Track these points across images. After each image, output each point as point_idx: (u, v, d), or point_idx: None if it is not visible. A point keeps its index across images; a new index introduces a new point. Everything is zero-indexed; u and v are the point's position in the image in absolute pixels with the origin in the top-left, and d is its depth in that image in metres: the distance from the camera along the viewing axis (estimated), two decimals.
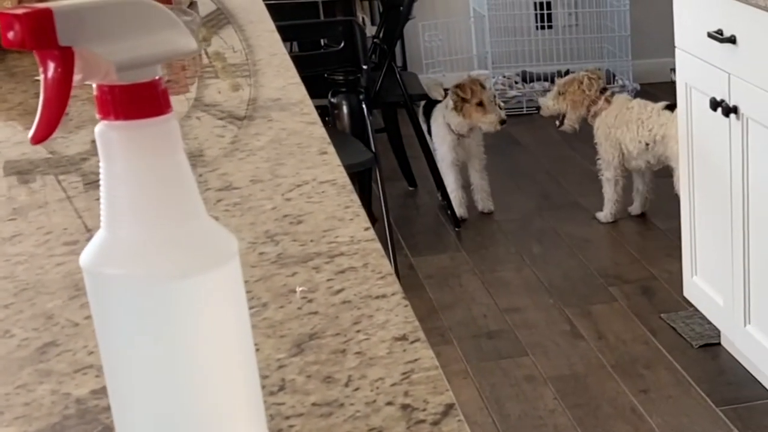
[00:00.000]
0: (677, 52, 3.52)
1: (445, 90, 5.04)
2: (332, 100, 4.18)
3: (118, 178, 0.72)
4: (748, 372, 3.49)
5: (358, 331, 1.06)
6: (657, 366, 3.63)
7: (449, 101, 4.88)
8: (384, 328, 1.06)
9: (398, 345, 1.03)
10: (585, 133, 4.98)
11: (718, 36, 3.15)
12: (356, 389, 0.95)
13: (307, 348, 1.02)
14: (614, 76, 6.61)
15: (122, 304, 0.72)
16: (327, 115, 4.32)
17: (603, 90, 4.86)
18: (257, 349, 1.02)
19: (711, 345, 3.72)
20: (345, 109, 4.16)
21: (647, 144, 4.55)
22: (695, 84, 3.40)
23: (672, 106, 4.28)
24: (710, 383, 3.49)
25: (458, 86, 4.88)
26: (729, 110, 3.14)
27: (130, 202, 0.72)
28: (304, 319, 1.08)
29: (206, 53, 2.41)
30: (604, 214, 4.83)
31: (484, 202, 5.00)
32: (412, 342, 1.04)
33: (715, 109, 3.20)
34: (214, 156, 1.58)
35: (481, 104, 4.85)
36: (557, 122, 4.97)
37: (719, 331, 3.64)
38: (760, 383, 3.41)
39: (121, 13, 0.72)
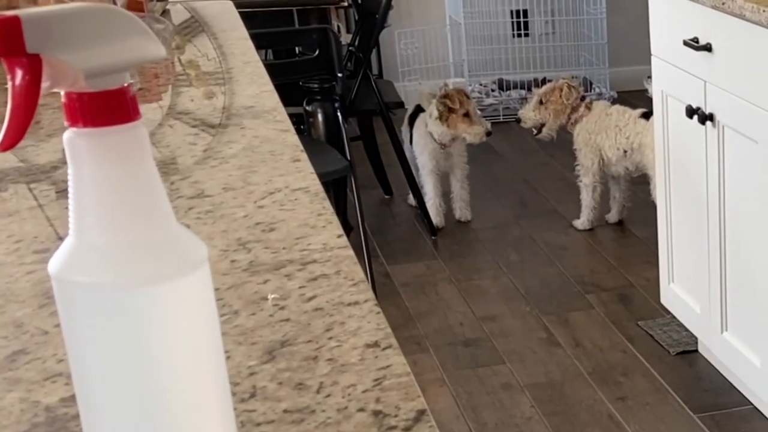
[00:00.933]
0: (653, 59, 3.53)
1: None
2: (307, 108, 4.18)
3: (86, 185, 0.72)
4: (725, 379, 3.49)
5: (330, 338, 1.06)
6: (634, 373, 3.63)
7: (433, 110, 4.86)
8: (356, 335, 1.06)
9: (370, 352, 1.03)
10: (562, 140, 5.00)
11: (694, 44, 3.16)
12: (328, 396, 0.95)
13: (279, 355, 1.02)
14: (591, 84, 6.62)
15: (90, 312, 0.72)
16: (302, 123, 4.32)
17: (582, 97, 4.85)
18: (228, 357, 1.02)
19: (688, 352, 3.72)
20: (320, 117, 4.15)
21: (625, 151, 4.55)
22: (671, 92, 3.41)
23: (648, 114, 4.29)
24: (687, 390, 3.49)
25: (446, 96, 4.85)
26: (705, 118, 3.15)
27: (98, 210, 0.72)
28: (275, 326, 1.08)
29: (180, 61, 2.41)
30: (582, 222, 4.83)
31: (462, 211, 5.00)
32: (384, 349, 1.04)
33: (691, 117, 3.21)
34: (186, 164, 1.58)
35: (467, 115, 4.84)
36: (534, 130, 4.97)
37: (696, 338, 3.65)
38: (737, 390, 3.42)
39: (89, 20, 0.72)
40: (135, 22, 0.76)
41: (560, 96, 4.84)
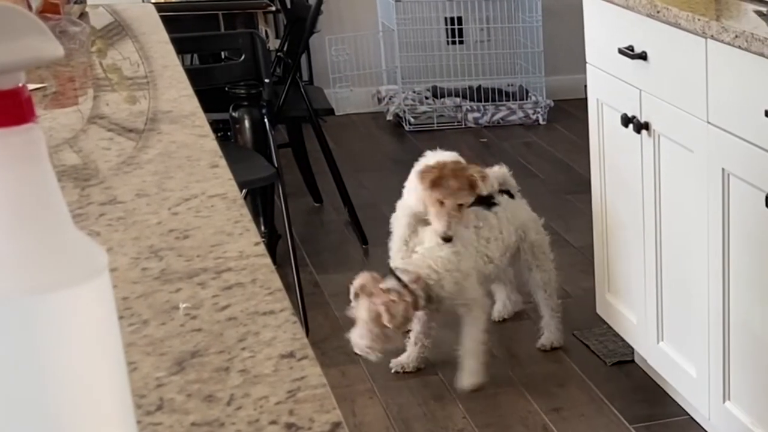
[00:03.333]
0: (588, 67, 3.52)
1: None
2: (233, 114, 4.14)
3: None
4: (662, 389, 3.49)
5: (243, 349, 1.03)
6: (570, 384, 3.61)
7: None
8: (270, 345, 1.04)
9: (285, 362, 1.01)
10: (498, 149, 5.01)
11: (629, 52, 3.16)
12: (239, 408, 0.93)
13: (189, 366, 1.00)
14: (527, 92, 6.63)
15: None
16: (228, 129, 4.28)
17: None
18: (135, 368, 0.99)
19: (624, 362, 3.71)
20: (247, 123, 4.12)
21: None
22: (607, 100, 3.40)
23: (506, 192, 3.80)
24: (623, 400, 3.48)
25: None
26: (640, 126, 3.14)
27: None
28: (186, 336, 1.05)
29: (101, 65, 2.37)
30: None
31: None
32: (300, 359, 1.01)
33: (626, 126, 3.21)
34: (99, 169, 1.54)
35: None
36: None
37: (632, 349, 3.65)
38: (674, 400, 3.42)
39: None
40: (31, 21, 0.74)
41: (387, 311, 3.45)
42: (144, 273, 1.19)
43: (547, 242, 3.83)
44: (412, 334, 3.71)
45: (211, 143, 1.64)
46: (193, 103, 1.88)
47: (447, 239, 3.51)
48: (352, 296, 3.50)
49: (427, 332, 3.69)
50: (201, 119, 1.77)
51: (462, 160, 3.68)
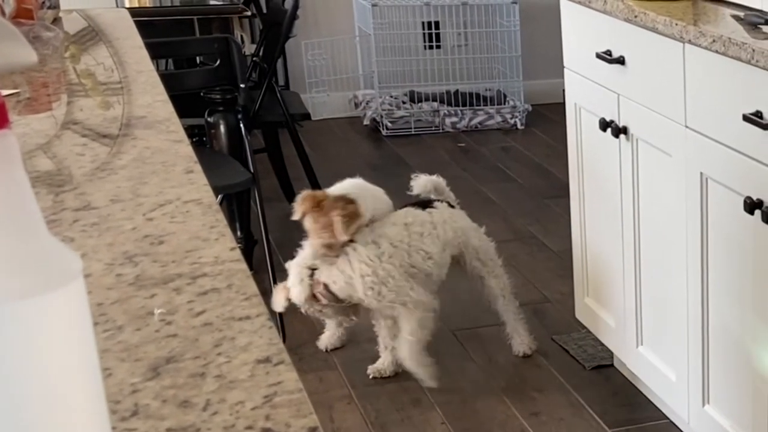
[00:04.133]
0: (566, 72, 3.52)
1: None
2: (209, 119, 4.13)
3: None
4: (641, 393, 3.49)
5: (219, 354, 1.02)
6: (549, 388, 3.61)
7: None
8: (246, 350, 1.03)
9: (261, 368, 1.00)
10: (476, 153, 5.00)
11: (606, 57, 3.16)
12: (214, 413, 0.92)
13: (164, 372, 0.99)
14: (505, 96, 6.63)
15: None
16: (204, 134, 4.26)
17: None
18: (110, 374, 0.98)
19: (604, 366, 3.71)
20: (222, 128, 4.11)
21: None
22: (585, 104, 3.40)
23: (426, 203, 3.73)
24: (603, 405, 3.48)
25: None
26: (619, 131, 3.14)
27: None
28: (161, 342, 1.04)
29: (75, 71, 2.36)
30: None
31: None
32: (276, 364, 1.01)
33: (604, 130, 3.21)
34: (73, 175, 1.53)
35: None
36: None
37: (612, 353, 3.65)
38: (653, 404, 3.42)
39: None
40: (4, 27, 0.73)
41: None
42: (119, 279, 1.18)
43: (493, 248, 3.80)
44: (380, 340, 3.70)
45: (186, 148, 1.64)
46: (167, 109, 1.87)
47: (312, 269, 3.51)
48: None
49: (394, 336, 3.68)
50: (176, 124, 1.76)
51: (364, 188, 3.60)
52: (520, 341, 3.81)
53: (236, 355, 1.02)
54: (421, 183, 3.77)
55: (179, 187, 1.47)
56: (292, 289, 3.53)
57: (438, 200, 3.73)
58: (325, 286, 3.46)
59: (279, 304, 3.54)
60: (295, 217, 3.50)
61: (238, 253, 1.26)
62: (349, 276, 3.45)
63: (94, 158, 1.62)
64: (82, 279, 0.73)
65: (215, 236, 1.31)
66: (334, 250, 3.48)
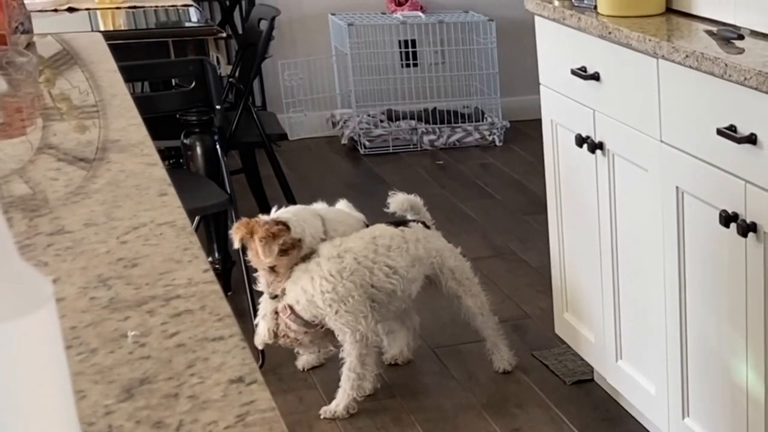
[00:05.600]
0: (542, 88, 3.53)
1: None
2: (185, 141, 4.13)
3: None
4: (621, 407, 3.50)
5: (192, 375, 1.03)
6: (529, 404, 3.61)
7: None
8: (219, 370, 1.04)
9: (234, 387, 1.01)
10: (455, 171, 5.01)
11: (581, 73, 3.18)
12: None
13: (138, 393, 0.99)
14: (483, 113, 6.64)
15: None
16: (180, 156, 4.26)
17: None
18: (83, 396, 0.98)
19: (584, 381, 3.71)
20: (198, 150, 4.11)
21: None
22: (561, 121, 3.42)
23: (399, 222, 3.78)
24: (583, 420, 3.49)
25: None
26: (595, 146, 3.16)
27: None
28: (135, 363, 1.05)
29: (50, 95, 2.36)
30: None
31: None
32: (249, 384, 1.01)
33: (581, 146, 3.22)
34: (47, 199, 1.54)
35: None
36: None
37: (592, 368, 3.66)
38: (633, 417, 3.43)
39: None
40: None
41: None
42: (92, 302, 1.18)
43: (469, 267, 3.80)
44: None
45: (160, 171, 1.64)
46: (141, 132, 1.87)
47: (272, 296, 3.52)
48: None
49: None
50: (149, 147, 1.77)
51: (303, 211, 3.59)
52: (500, 357, 3.81)
53: (209, 376, 1.03)
54: (398, 200, 3.78)
55: (153, 209, 1.48)
56: (257, 328, 3.54)
57: (413, 220, 3.73)
58: (291, 309, 3.46)
59: (259, 341, 3.56)
60: (235, 246, 3.50)
61: (211, 275, 1.27)
62: (311, 294, 3.45)
63: (68, 182, 1.62)
64: (54, 304, 0.74)
65: (189, 258, 1.31)
66: (280, 275, 3.48)
